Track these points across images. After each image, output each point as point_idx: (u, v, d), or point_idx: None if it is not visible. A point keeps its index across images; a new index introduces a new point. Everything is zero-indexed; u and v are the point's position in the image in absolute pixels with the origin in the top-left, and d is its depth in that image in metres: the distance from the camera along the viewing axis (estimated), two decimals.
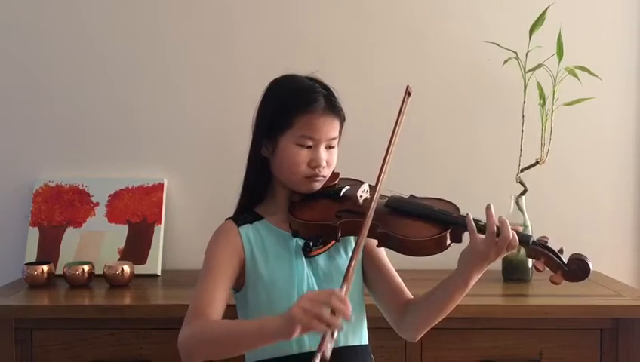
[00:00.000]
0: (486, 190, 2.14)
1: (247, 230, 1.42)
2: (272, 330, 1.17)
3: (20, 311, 1.74)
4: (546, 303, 1.73)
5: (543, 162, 2.00)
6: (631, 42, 2.18)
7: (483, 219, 1.30)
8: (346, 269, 1.23)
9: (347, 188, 1.45)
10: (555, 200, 2.16)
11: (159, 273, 2.07)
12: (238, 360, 1.52)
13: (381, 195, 1.41)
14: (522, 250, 1.33)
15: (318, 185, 1.42)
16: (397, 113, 1.37)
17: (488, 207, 1.29)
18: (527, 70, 1.99)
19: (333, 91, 1.43)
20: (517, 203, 1.98)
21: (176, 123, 2.18)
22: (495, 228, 1.27)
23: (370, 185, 1.45)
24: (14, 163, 2.18)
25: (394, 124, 1.36)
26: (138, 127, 2.18)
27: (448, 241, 1.32)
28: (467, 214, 1.31)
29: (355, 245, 1.27)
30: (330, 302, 1.11)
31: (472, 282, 1.32)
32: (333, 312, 1.11)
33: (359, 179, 1.50)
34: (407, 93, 1.40)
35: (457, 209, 1.37)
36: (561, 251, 1.29)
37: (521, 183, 2.00)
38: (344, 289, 1.14)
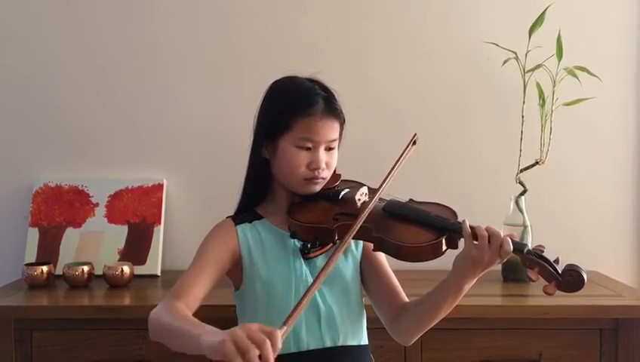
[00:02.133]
0: (485, 190, 2.14)
1: (245, 229, 1.43)
2: (204, 345, 1.08)
3: (19, 311, 1.74)
4: (545, 303, 1.73)
5: (543, 162, 2.00)
6: (630, 42, 2.17)
7: (478, 222, 1.30)
8: (319, 271, 1.19)
9: (346, 190, 1.45)
10: (554, 200, 2.16)
11: (159, 273, 2.07)
12: None
13: (380, 198, 1.40)
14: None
15: (317, 188, 1.42)
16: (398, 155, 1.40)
17: (464, 222, 1.30)
18: (526, 70, 1.99)
19: (334, 93, 1.43)
20: (516, 203, 1.98)
21: (175, 124, 2.18)
22: (486, 234, 1.26)
23: (369, 188, 1.45)
24: (14, 163, 2.19)
25: (393, 164, 1.38)
26: (138, 128, 2.18)
27: (444, 247, 1.31)
28: (463, 221, 1.30)
29: (338, 246, 1.25)
30: (262, 347, 1.01)
31: (466, 287, 1.31)
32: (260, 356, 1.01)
33: (360, 181, 1.50)
34: (413, 142, 1.42)
35: (455, 214, 1.37)
36: (556, 261, 1.27)
37: (521, 183, 2.00)
38: (284, 330, 1.07)
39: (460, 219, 1.34)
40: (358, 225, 1.29)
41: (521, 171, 2.00)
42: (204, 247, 1.40)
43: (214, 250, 1.39)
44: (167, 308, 1.26)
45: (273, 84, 1.46)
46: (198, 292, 1.33)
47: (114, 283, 1.90)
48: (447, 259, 1.35)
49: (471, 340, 1.73)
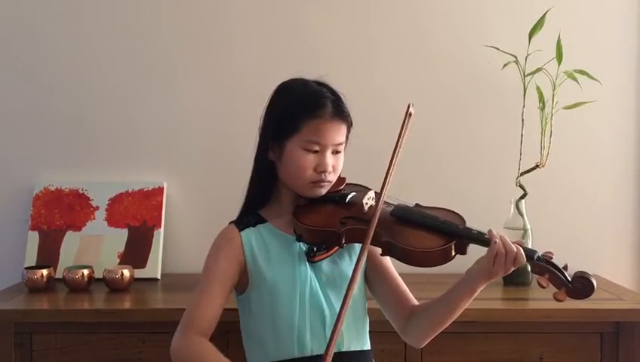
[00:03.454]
0: (486, 193, 2.14)
1: (249, 234, 1.42)
2: None
3: (19, 315, 1.74)
4: (546, 307, 1.73)
5: (543, 166, 2.00)
6: (630, 45, 2.18)
7: (478, 225, 1.31)
8: (348, 283, 1.24)
9: (353, 194, 1.44)
10: (555, 203, 2.16)
11: (159, 277, 2.07)
12: None
13: (387, 203, 1.40)
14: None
15: (323, 191, 1.42)
16: (399, 130, 1.36)
17: (494, 241, 1.30)
18: (526, 74, 1.99)
19: (342, 96, 1.43)
20: (517, 206, 1.98)
21: (176, 127, 2.18)
22: (504, 251, 1.28)
23: (376, 193, 1.44)
24: (14, 166, 2.18)
25: (395, 141, 1.35)
26: (138, 131, 2.18)
27: (453, 253, 1.32)
28: (489, 231, 1.31)
29: (358, 258, 1.27)
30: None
31: (478, 291, 1.34)
32: None
33: (364, 185, 1.50)
34: (409, 114, 1.39)
35: (463, 220, 1.37)
36: (565, 267, 1.29)
37: (521, 187, 2.00)
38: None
39: (468, 225, 1.34)
40: (373, 228, 1.28)
41: (522, 174, 2.00)
42: (212, 266, 1.40)
43: (221, 266, 1.39)
44: (194, 346, 1.31)
45: (280, 85, 1.46)
46: (212, 316, 1.36)
47: (114, 286, 1.90)
48: (453, 264, 1.35)
49: (472, 344, 1.73)
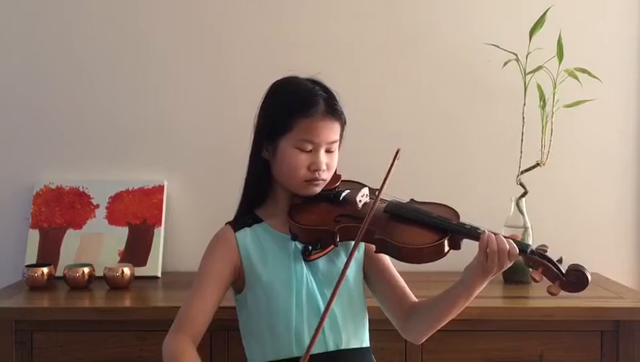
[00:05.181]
0: (486, 192, 2.14)
1: (244, 234, 1.42)
2: None
3: (20, 312, 1.74)
4: (546, 305, 1.73)
5: (544, 164, 2.00)
6: (631, 44, 2.17)
7: (478, 223, 1.31)
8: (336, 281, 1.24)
9: (347, 192, 1.44)
10: (555, 202, 2.16)
11: (159, 275, 2.07)
12: None
13: (381, 200, 1.40)
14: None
15: (317, 189, 1.42)
16: (387, 169, 1.34)
17: (483, 233, 1.30)
18: (527, 72, 1.99)
19: (335, 94, 1.42)
20: (517, 205, 1.98)
21: (176, 125, 2.18)
22: (497, 249, 1.27)
23: (370, 189, 1.45)
24: (15, 165, 2.18)
25: (383, 179, 1.34)
26: (138, 129, 2.18)
27: (447, 248, 1.31)
28: (483, 231, 1.30)
29: (349, 255, 1.27)
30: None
31: (477, 291, 1.33)
32: None
33: (360, 182, 1.50)
34: (397, 158, 1.37)
35: (457, 215, 1.37)
36: (560, 261, 1.27)
37: (522, 185, 2.00)
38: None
39: (462, 220, 1.34)
40: (364, 230, 1.28)
41: (522, 173, 2.00)
42: (206, 267, 1.40)
43: (215, 267, 1.40)
44: (180, 351, 1.32)
45: (274, 84, 1.46)
46: (203, 318, 1.37)
47: (114, 284, 1.90)
48: (449, 260, 1.35)
49: (472, 342, 1.73)
